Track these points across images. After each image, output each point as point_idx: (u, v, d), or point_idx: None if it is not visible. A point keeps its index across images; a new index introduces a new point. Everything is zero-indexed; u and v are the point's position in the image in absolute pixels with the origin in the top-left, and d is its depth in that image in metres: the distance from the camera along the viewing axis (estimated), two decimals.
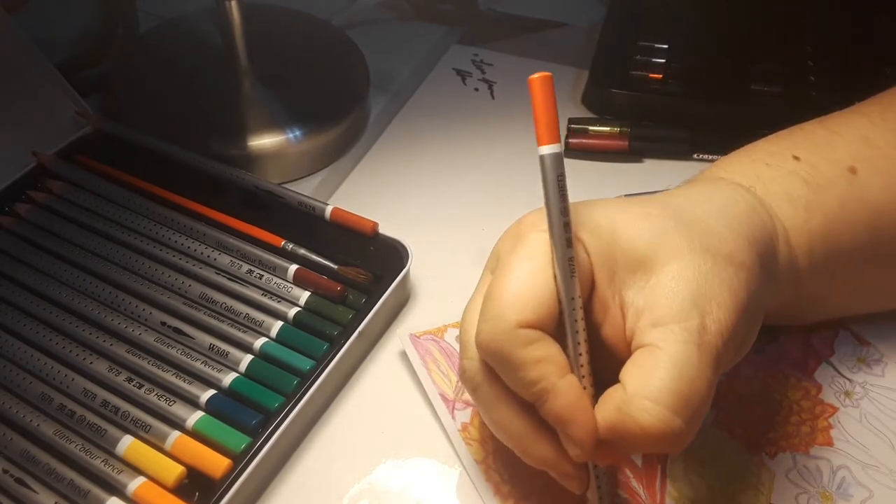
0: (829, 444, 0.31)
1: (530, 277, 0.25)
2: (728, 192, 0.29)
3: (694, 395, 0.24)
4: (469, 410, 0.32)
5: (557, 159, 0.25)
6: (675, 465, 0.30)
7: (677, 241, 0.26)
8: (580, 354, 0.25)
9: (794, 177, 0.31)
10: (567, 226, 0.25)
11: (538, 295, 0.24)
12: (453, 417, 0.32)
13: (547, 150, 0.25)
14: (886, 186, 0.31)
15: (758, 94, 0.46)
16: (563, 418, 0.24)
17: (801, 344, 0.35)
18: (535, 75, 0.25)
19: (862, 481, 0.30)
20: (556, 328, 0.25)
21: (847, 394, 0.33)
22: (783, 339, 0.35)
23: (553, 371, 0.24)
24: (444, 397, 0.32)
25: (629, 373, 0.24)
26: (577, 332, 0.25)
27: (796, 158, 0.31)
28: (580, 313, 0.25)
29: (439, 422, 0.32)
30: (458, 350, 0.33)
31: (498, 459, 0.30)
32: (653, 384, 0.23)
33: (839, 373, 0.34)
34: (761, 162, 0.32)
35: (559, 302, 0.25)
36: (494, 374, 0.26)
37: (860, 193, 0.31)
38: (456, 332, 0.34)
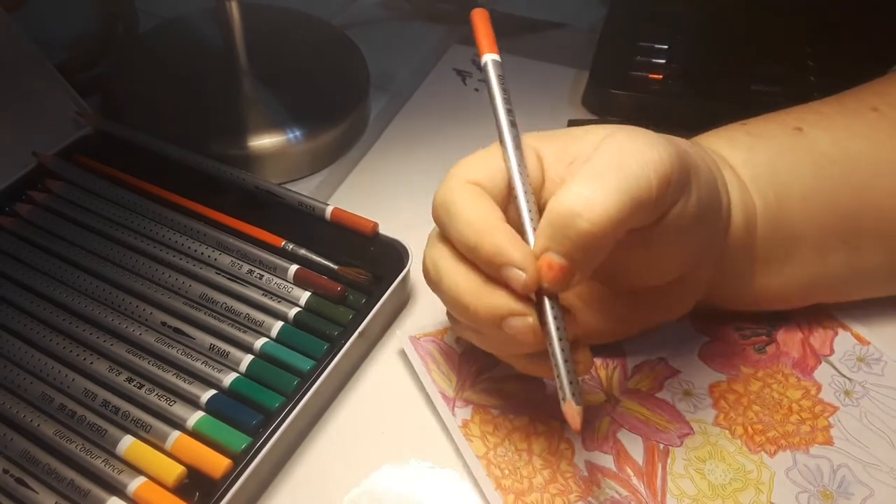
0: (830, 443, 0.31)
1: (481, 154, 0.29)
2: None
3: (611, 180, 0.25)
4: (470, 408, 0.32)
5: (497, 64, 0.30)
6: (676, 462, 0.30)
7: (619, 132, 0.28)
8: (531, 220, 0.27)
9: (737, 131, 0.33)
10: (510, 112, 0.29)
11: (487, 163, 0.28)
12: (454, 414, 0.32)
13: (488, 57, 0.30)
14: (833, 141, 0.32)
15: (758, 95, 0.46)
16: (501, 247, 0.26)
17: (801, 344, 0.35)
18: (474, 11, 0.32)
19: (862, 479, 0.30)
20: (504, 203, 0.28)
21: (847, 393, 0.33)
22: (782, 340, 0.35)
23: (491, 212, 0.27)
24: (444, 395, 0.32)
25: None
26: (525, 192, 0.27)
27: (743, 124, 0.34)
28: (527, 180, 0.28)
29: (439, 422, 0.32)
30: (457, 350, 0.33)
31: (499, 455, 0.31)
32: (575, 181, 0.26)
33: (839, 372, 0.34)
34: (708, 134, 0.34)
35: (508, 172, 0.28)
36: (446, 243, 0.28)
37: (806, 144, 0.32)
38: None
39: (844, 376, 0.34)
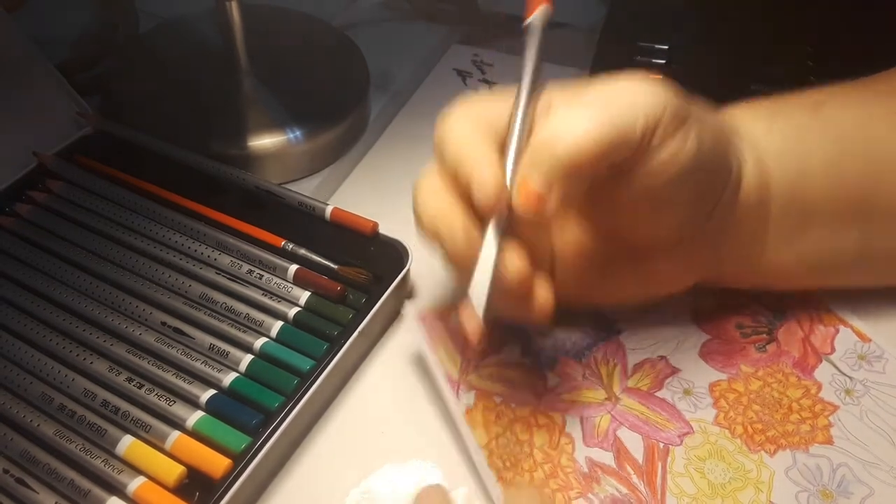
0: (830, 442, 0.31)
1: (490, 94, 0.29)
2: None
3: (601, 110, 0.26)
4: (472, 394, 0.32)
5: (545, 13, 0.31)
6: (676, 461, 0.30)
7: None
8: (515, 153, 0.27)
9: (759, 105, 0.33)
10: (537, 69, 0.29)
11: (493, 102, 0.29)
12: (458, 398, 0.32)
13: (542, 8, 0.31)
14: (853, 120, 0.32)
15: (758, 95, 0.46)
16: (474, 163, 0.26)
17: (802, 343, 0.35)
18: None
19: (862, 479, 0.30)
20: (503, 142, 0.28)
21: (848, 391, 0.33)
22: (783, 339, 0.35)
23: (478, 138, 0.27)
24: (449, 378, 0.32)
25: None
26: (519, 129, 0.27)
27: (765, 99, 0.34)
28: (526, 119, 0.28)
29: (439, 421, 0.32)
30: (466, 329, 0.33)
31: (500, 445, 0.31)
32: (561, 110, 0.27)
33: (840, 371, 0.34)
34: (731, 106, 0.34)
35: (514, 111, 0.28)
36: (437, 173, 0.29)
37: (826, 121, 0.32)
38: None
39: (845, 375, 0.34)
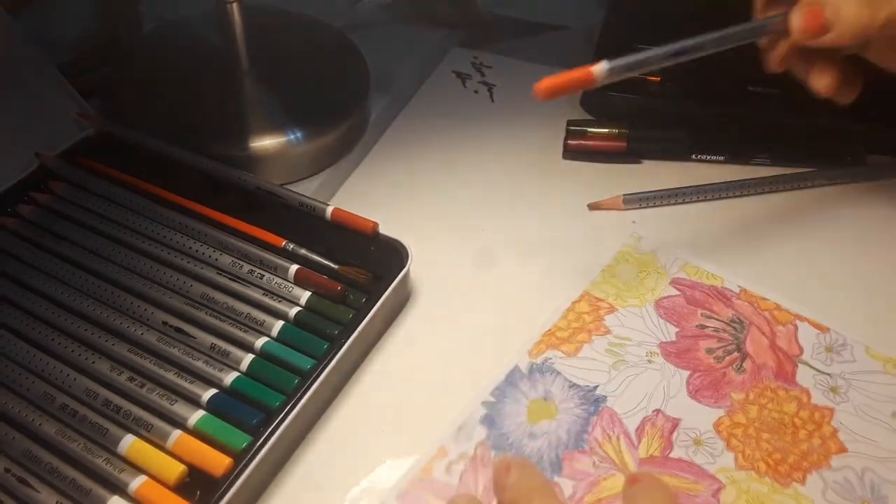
0: (844, 450, 0.31)
1: None
2: None
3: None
4: None
5: None
6: None
7: None
8: None
9: None
10: None
11: None
12: None
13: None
14: None
15: (755, 96, 0.46)
16: None
17: (771, 350, 0.35)
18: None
19: (888, 478, 0.30)
20: None
21: (833, 389, 0.33)
22: (752, 351, 0.35)
23: None
24: None
25: None
26: None
27: None
28: None
29: (439, 421, 0.32)
30: (452, 484, 0.30)
31: None
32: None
33: (817, 370, 0.34)
34: None
35: None
36: None
37: None
38: (444, 462, 0.31)
39: (823, 373, 0.34)
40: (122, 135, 0.43)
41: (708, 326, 0.36)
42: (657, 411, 0.33)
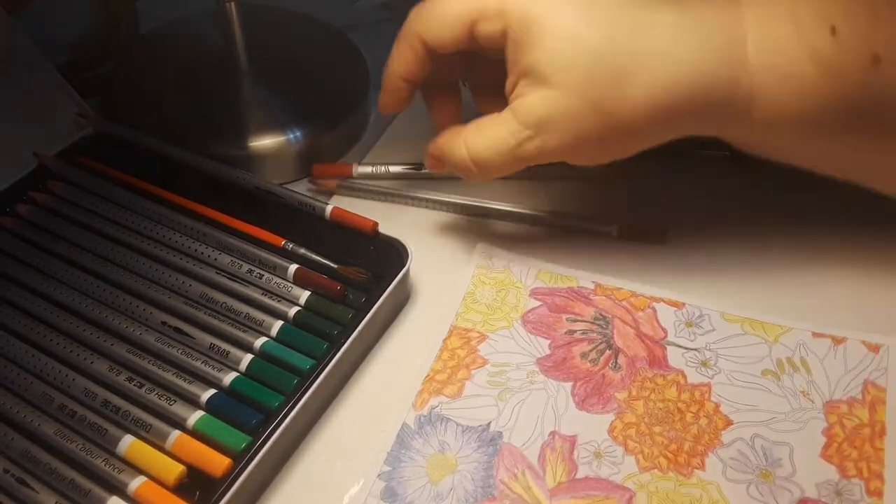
0: (729, 423, 0.32)
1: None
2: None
3: (494, 161, 0.33)
4: None
5: None
6: None
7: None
8: None
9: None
10: None
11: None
12: None
13: None
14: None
15: None
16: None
17: (638, 338, 0.35)
18: None
19: (775, 439, 0.31)
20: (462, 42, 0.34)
21: (704, 364, 0.34)
22: (622, 345, 0.35)
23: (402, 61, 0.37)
24: None
25: (478, 121, 0.34)
26: None
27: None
28: None
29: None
30: None
31: None
32: (476, 140, 0.34)
33: (684, 348, 0.34)
34: None
35: None
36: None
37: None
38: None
39: (690, 349, 0.34)
40: (121, 134, 0.43)
41: (576, 330, 0.35)
42: (553, 433, 0.32)
